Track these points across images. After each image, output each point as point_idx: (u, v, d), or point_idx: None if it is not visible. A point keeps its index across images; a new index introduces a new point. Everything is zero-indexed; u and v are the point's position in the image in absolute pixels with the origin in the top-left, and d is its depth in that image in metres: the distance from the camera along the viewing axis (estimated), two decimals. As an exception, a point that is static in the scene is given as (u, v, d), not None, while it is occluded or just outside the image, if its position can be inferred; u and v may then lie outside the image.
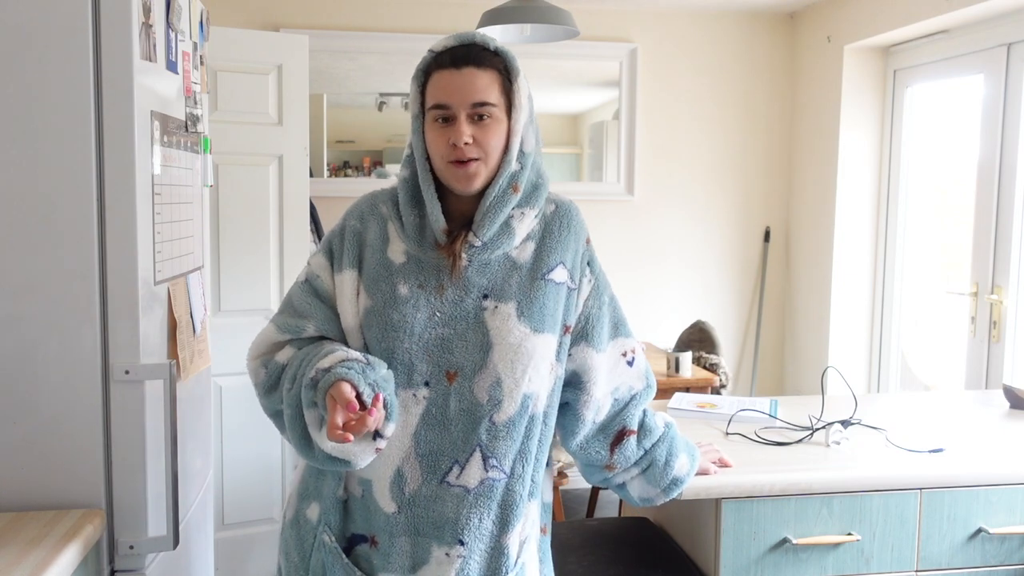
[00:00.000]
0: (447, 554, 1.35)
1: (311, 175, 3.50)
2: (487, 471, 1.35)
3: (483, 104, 1.33)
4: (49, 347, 1.50)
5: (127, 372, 1.53)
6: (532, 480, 1.41)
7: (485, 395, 1.35)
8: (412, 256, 1.39)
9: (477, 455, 1.35)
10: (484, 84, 1.34)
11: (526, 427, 1.38)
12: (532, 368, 1.36)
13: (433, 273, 1.37)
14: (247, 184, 3.11)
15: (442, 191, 1.39)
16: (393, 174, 4.00)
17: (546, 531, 1.50)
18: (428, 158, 1.38)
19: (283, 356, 1.41)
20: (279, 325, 1.43)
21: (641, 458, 1.53)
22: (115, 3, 1.49)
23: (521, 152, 1.39)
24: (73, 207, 1.49)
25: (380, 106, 3.97)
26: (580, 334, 1.45)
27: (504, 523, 1.38)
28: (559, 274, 1.41)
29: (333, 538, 1.39)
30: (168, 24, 1.71)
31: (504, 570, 1.38)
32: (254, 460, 3.17)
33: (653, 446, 1.54)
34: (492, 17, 2.90)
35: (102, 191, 1.51)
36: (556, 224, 1.44)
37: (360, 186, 3.97)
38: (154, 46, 1.61)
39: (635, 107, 4.22)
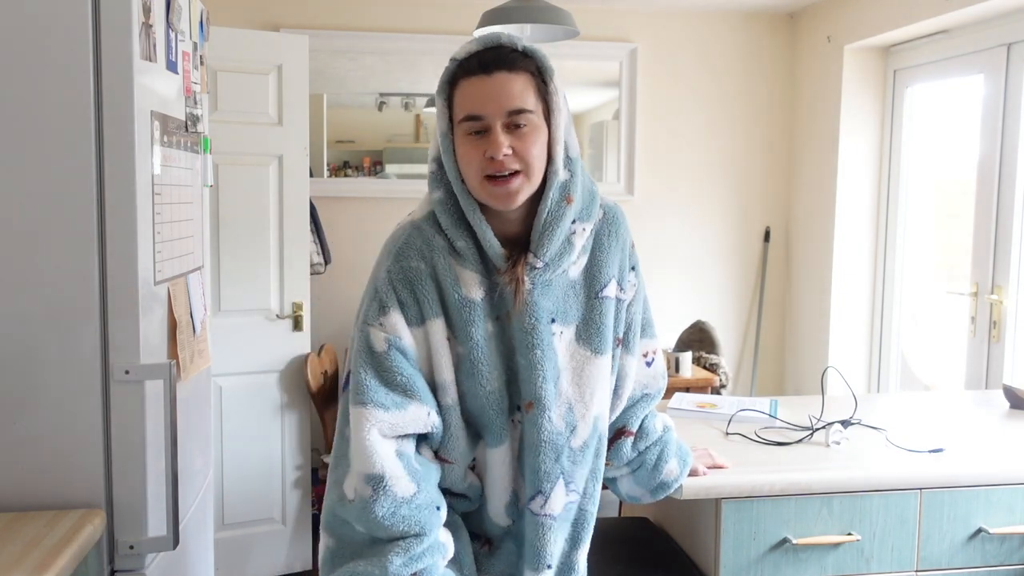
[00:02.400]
0: None
1: (311, 175, 3.50)
2: (567, 495, 1.35)
3: (520, 111, 1.21)
4: (49, 347, 1.50)
5: (127, 372, 1.53)
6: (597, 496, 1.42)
7: (563, 423, 1.31)
8: (487, 287, 1.28)
9: (560, 483, 1.32)
10: (519, 89, 1.21)
11: (595, 447, 1.37)
12: (599, 390, 1.34)
13: (502, 302, 1.30)
14: (247, 184, 3.11)
15: (483, 210, 1.28)
16: (394, 175, 4.00)
17: None
18: (463, 179, 1.26)
19: (403, 488, 1.22)
20: (382, 403, 1.23)
21: (633, 459, 1.52)
22: (115, 3, 1.49)
23: (567, 158, 1.28)
24: (73, 207, 1.49)
25: (380, 106, 3.97)
26: (622, 344, 1.42)
27: (576, 541, 1.39)
28: (611, 289, 1.35)
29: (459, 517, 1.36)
30: (168, 24, 1.71)
31: None
32: (254, 460, 3.17)
33: (646, 448, 1.53)
34: (492, 17, 2.90)
35: (102, 191, 1.51)
36: (605, 234, 1.36)
37: (360, 186, 3.97)
38: (154, 46, 1.61)
39: (635, 107, 4.22)
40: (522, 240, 1.30)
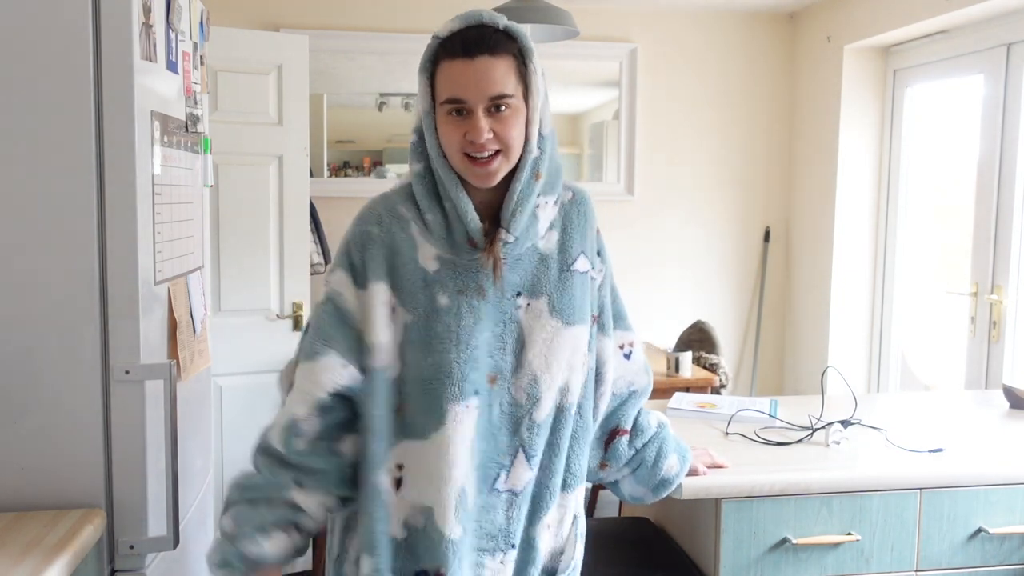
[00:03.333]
0: (501, 562, 1.32)
1: (311, 175, 3.50)
2: (531, 469, 1.33)
3: (501, 96, 1.24)
4: (49, 347, 1.50)
5: (127, 372, 1.53)
6: (568, 471, 1.38)
7: (524, 394, 1.32)
8: (445, 260, 1.31)
9: (521, 456, 1.32)
10: (501, 74, 1.24)
11: (555, 419, 1.35)
12: (566, 362, 1.34)
13: (472, 276, 1.30)
14: (247, 184, 3.11)
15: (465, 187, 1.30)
16: (396, 174, 4.00)
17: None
18: (444, 154, 1.29)
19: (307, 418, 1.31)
20: (305, 351, 1.33)
21: (632, 458, 1.52)
22: (115, 3, 1.49)
23: (540, 136, 1.31)
24: (73, 207, 1.49)
25: (380, 106, 3.97)
26: (597, 323, 1.42)
27: (533, 516, 1.35)
28: (582, 263, 1.37)
29: None
30: (168, 24, 1.71)
31: (533, 561, 1.36)
32: (254, 460, 3.17)
33: (644, 446, 1.52)
34: (492, 17, 2.90)
35: (102, 191, 1.51)
36: (575, 212, 1.39)
37: (360, 186, 3.97)
38: (154, 46, 1.61)
39: (635, 107, 4.22)
40: (490, 213, 1.33)
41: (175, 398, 1.60)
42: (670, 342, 4.06)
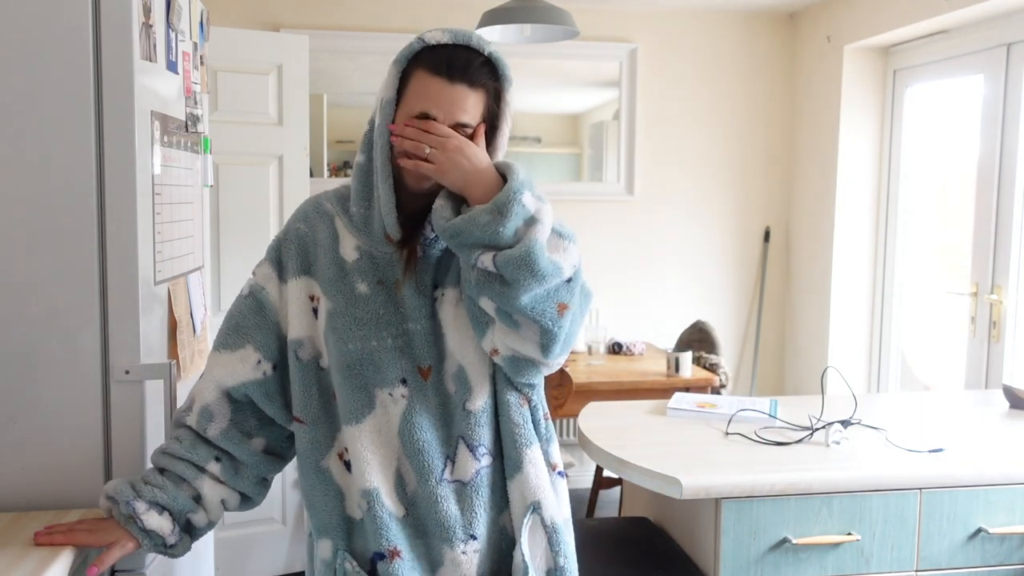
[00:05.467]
0: (463, 552, 1.31)
1: (311, 175, 3.51)
2: (478, 460, 1.33)
3: (464, 125, 1.29)
4: (49, 347, 1.50)
5: (127, 372, 1.53)
6: (507, 459, 1.35)
7: (453, 385, 1.34)
8: (364, 251, 1.35)
9: (463, 446, 1.33)
10: (471, 105, 1.29)
11: (497, 408, 1.36)
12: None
13: (389, 269, 1.35)
14: (247, 184, 3.11)
15: (398, 183, 1.33)
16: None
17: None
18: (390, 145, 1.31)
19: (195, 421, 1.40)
20: (219, 344, 1.40)
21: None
22: (115, 3, 1.49)
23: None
24: (73, 207, 1.49)
25: (380, 106, 3.97)
26: None
27: (501, 506, 1.35)
28: None
29: (355, 564, 1.32)
30: (168, 24, 1.71)
31: (508, 548, 1.35)
32: (254, 460, 3.17)
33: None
34: (492, 17, 2.90)
35: (102, 191, 1.51)
36: None
37: (360, 186, 3.97)
38: (154, 46, 1.61)
39: (635, 107, 4.22)
40: (418, 215, 1.34)
41: (175, 398, 1.60)
42: (670, 342, 4.06)
